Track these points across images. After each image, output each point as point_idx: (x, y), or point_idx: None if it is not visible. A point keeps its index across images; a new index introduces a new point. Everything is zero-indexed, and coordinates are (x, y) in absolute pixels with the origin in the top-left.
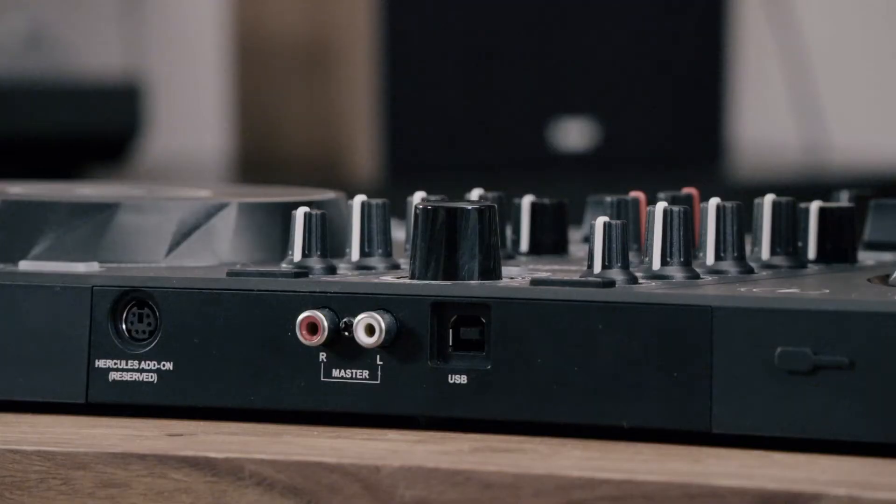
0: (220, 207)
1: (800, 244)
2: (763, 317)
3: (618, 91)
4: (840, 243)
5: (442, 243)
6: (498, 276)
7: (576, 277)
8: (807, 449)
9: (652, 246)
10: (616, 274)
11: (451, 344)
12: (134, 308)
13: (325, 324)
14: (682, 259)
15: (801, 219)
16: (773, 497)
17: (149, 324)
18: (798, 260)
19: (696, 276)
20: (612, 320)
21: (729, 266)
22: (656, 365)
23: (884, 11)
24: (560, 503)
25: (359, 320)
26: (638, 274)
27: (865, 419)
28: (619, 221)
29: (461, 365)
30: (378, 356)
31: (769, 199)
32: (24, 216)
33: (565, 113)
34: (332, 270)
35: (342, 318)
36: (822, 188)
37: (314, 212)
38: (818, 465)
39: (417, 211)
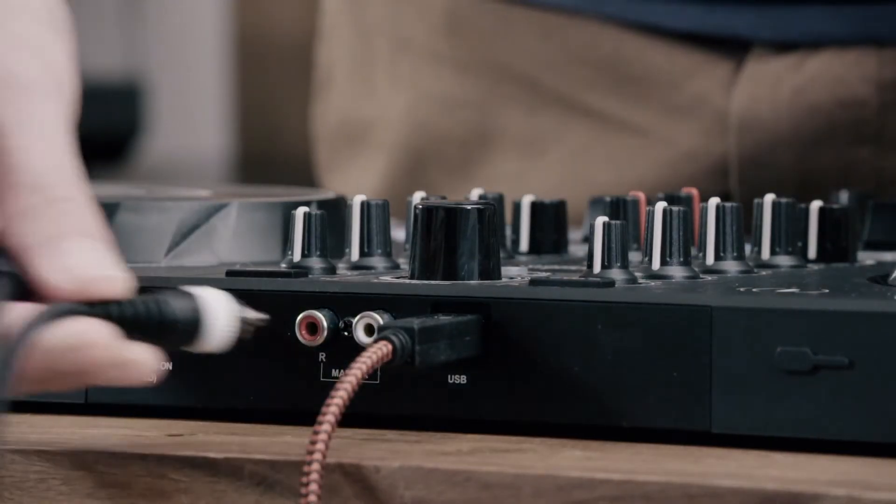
0: (220, 207)
1: (800, 244)
2: (763, 317)
3: None
4: (840, 243)
5: (442, 243)
6: (497, 276)
7: (575, 277)
8: (807, 449)
9: (651, 246)
10: (616, 274)
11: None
12: None
13: (325, 324)
14: (681, 259)
15: (801, 219)
16: (773, 497)
17: None
18: (798, 260)
19: (696, 276)
20: (611, 320)
21: (729, 266)
22: (656, 365)
23: None
24: (560, 503)
25: (358, 320)
26: (638, 274)
27: (865, 419)
28: (618, 221)
29: (461, 365)
30: None
31: (769, 199)
32: None
33: None
34: (331, 270)
35: (342, 319)
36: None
37: (314, 212)
38: (818, 465)
39: (417, 211)
